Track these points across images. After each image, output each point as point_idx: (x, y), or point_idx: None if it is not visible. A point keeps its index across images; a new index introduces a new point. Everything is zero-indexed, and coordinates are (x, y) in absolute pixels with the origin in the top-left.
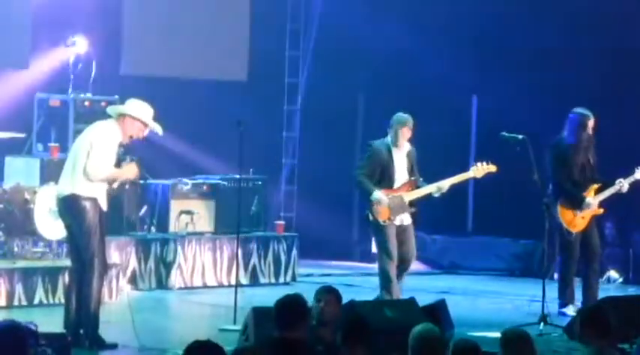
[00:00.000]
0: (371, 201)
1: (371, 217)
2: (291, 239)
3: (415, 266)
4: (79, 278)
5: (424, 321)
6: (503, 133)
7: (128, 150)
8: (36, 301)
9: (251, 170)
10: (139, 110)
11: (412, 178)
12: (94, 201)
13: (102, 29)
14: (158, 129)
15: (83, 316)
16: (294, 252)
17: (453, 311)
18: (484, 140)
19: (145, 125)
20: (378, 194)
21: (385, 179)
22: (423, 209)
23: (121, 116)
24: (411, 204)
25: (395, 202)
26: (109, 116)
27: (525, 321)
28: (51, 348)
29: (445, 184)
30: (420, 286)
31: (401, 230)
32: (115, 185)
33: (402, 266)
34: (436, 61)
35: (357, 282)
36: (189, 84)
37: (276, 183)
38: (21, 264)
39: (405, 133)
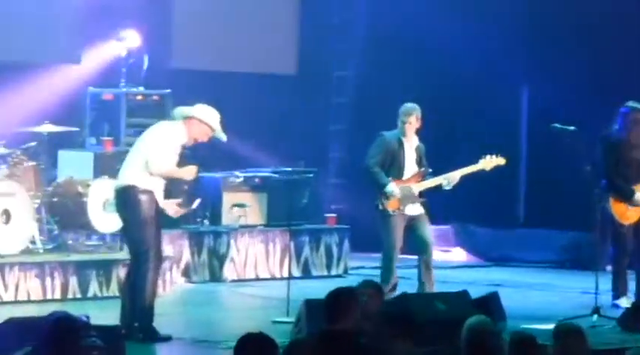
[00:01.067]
0: (384, 192)
1: (381, 207)
2: (342, 231)
3: (466, 258)
4: (133, 271)
5: (475, 314)
6: (555, 125)
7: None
8: (90, 294)
9: (302, 162)
10: (207, 114)
11: (421, 169)
12: (150, 193)
13: (153, 23)
14: (223, 137)
15: (138, 309)
16: (346, 244)
17: (504, 304)
18: (535, 131)
19: (212, 130)
20: (392, 186)
21: (394, 169)
22: (474, 201)
23: (188, 118)
24: (420, 194)
25: (404, 193)
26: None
27: (577, 313)
28: (102, 340)
29: (455, 175)
30: (470, 278)
31: (411, 219)
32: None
33: (424, 255)
34: (486, 51)
35: (408, 274)
36: (239, 77)
37: (327, 176)
38: (75, 257)
39: (413, 123)
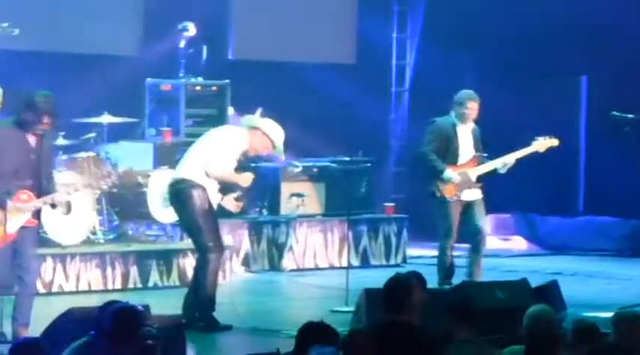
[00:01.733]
0: (442, 178)
1: (438, 194)
2: (401, 220)
3: (525, 247)
4: (196, 262)
5: (536, 302)
6: (614, 113)
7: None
8: (150, 284)
9: (360, 152)
10: (273, 130)
11: (477, 154)
12: (202, 188)
13: (212, 13)
14: (282, 155)
15: (199, 298)
16: (404, 233)
17: (564, 292)
18: (594, 119)
19: (273, 145)
20: (450, 172)
21: (450, 155)
22: (534, 189)
23: (254, 129)
24: (477, 179)
25: (462, 178)
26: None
27: (637, 302)
28: (162, 329)
29: (510, 158)
30: (530, 267)
31: (467, 205)
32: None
33: (477, 239)
34: (546, 38)
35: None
36: (297, 67)
37: (386, 165)
38: (135, 247)
39: (475, 109)
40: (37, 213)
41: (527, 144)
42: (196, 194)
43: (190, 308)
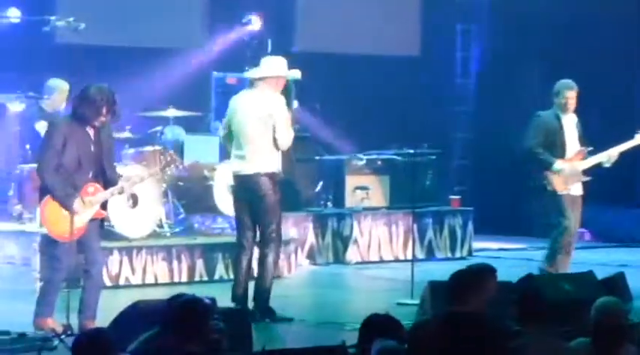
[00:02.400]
0: (552, 170)
1: (549, 187)
2: (466, 213)
3: (591, 239)
4: (251, 252)
5: (603, 294)
6: None
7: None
8: (216, 276)
9: (425, 144)
10: (273, 67)
11: (582, 147)
12: (271, 176)
13: (276, 6)
14: (297, 74)
15: (258, 289)
16: (470, 226)
17: (630, 284)
18: None
19: (282, 77)
20: (560, 164)
21: (556, 149)
22: (598, 182)
23: (262, 80)
24: (584, 172)
25: (571, 171)
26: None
27: None
28: (228, 322)
29: (614, 152)
30: (596, 259)
31: (571, 200)
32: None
33: (569, 238)
34: (612, 30)
35: (533, 256)
36: (362, 59)
37: (451, 158)
38: (201, 240)
39: (574, 99)
40: (103, 205)
41: (630, 137)
42: (268, 183)
43: (242, 298)
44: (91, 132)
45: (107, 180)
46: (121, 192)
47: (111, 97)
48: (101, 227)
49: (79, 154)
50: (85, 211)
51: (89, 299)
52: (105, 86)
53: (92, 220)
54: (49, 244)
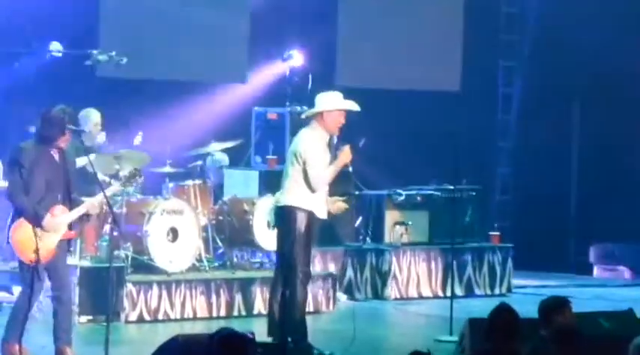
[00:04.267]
0: None
1: None
2: (506, 250)
3: (631, 276)
4: (287, 287)
5: None
6: None
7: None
8: (255, 311)
9: (464, 180)
10: (330, 102)
11: None
12: (304, 211)
13: (317, 42)
14: (355, 107)
15: (289, 324)
16: (509, 263)
17: None
18: None
19: (342, 110)
20: None
21: None
22: (637, 219)
23: (319, 115)
24: None
25: None
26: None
27: None
28: None
29: None
30: (636, 297)
31: None
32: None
33: None
34: None
35: (574, 293)
36: (402, 94)
37: (491, 193)
38: (240, 274)
39: None
40: (71, 226)
41: None
42: (299, 218)
43: (278, 333)
44: (55, 155)
45: (73, 202)
46: (87, 216)
47: (73, 117)
48: (68, 250)
49: (47, 177)
50: (53, 232)
51: (63, 324)
52: (66, 107)
53: (60, 242)
54: (21, 269)
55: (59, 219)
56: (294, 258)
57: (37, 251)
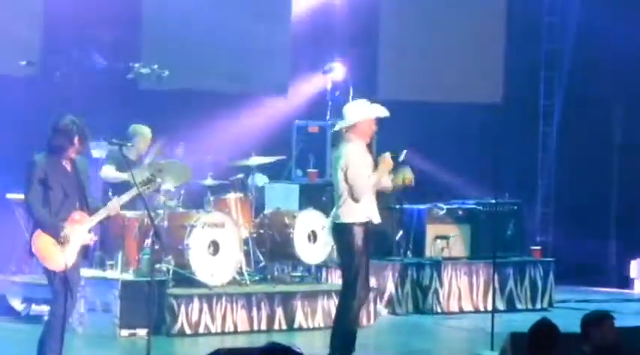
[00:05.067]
0: None
1: None
2: (547, 264)
3: None
4: (340, 299)
5: None
6: None
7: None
8: (296, 325)
9: (506, 194)
10: (360, 112)
11: None
12: (360, 225)
13: (359, 55)
14: (383, 112)
15: (339, 338)
16: (551, 277)
17: None
18: None
19: (373, 119)
20: None
21: None
22: None
23: (352, 127)
24: None
25: None
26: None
27: None
28: None
29: None
30: None
31: None
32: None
33: None
34: None
35: (616, 308)
36: (444, 107)
37: (532, 207)
38: (281, 288)
39: None
40: (92, 231)
41: None
42: (355, 232)
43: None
44: (67, 165)
45: (91, 208)
46: (106, 217)
47: (82, 128)
48: (84, 257)
49: (63, 186)
50: (74, 239)
51: (53, 337)
52: (76, 117)
53: (80, 248)
54: (49, 278)
55: (78, 226)
56: (354, 274)
57: (58, 254)
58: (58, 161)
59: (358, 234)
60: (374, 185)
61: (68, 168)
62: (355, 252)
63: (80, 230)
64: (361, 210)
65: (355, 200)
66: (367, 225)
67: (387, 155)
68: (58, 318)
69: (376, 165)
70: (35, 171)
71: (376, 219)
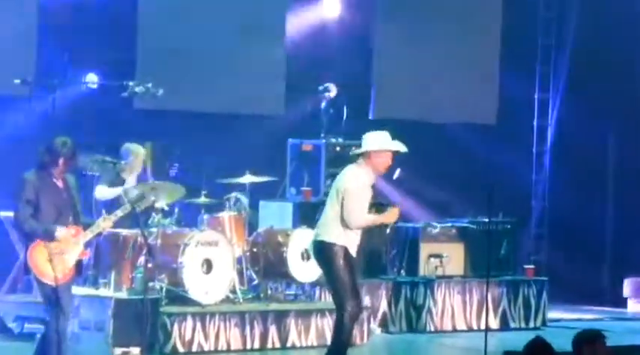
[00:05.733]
0: None
1: None
2: (540, 283)
3: None
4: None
5: None
6: None
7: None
8: (289, 344)
9: (500, 213)
10: (378, 141)
11: None
12: (342, 248)
13: (352, 74)
14: (402, 148)
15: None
16: (544, 296)
17: None
18: None
19: (390, 151)
20: None
21: None
22: None
23: (367, 154)
24: None
25: None
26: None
27: None
28: None
29: None
30: None
31: None
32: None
33: None
34: None
35: (609, 327)
36: (438, 127)
37: (526, 226)
38: (274, 306)
39: None
40: (85, 245)
41: None
42: (337, 254)
43: None
44: (59, 182)
45: (83, 224)
46: (99, 234)
47: (71, 151)
48: (78, 273)
49: (55, 202)
50: (69, 253)
51: (50, 352)
52: (68, 139)
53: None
54: (43, 292)
55: (74, 239)
56: (340, 294)
57: (53, 267)
58: (49, 178)
59: (339, 255)
60: (367, 224)
61: (59, 184)
62: (337, 269)
63: (75, 244)
64: (343, 236)
65: (347, 225)
66: (346, 250)
67: (397, 209)
68: (53, 332)
69: (381, 209)
70: (25, 188)
71: (353, 251)
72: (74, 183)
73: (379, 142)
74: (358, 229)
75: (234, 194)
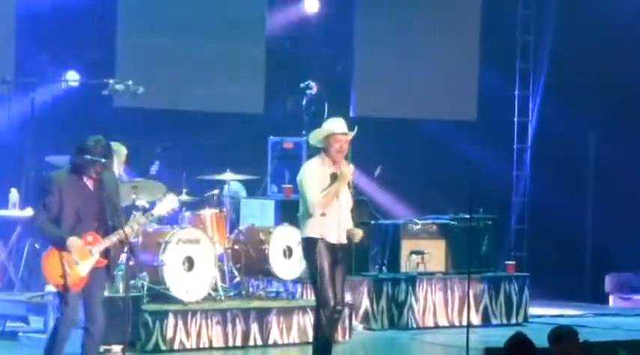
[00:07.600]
0: None
1: None
2: (522, 279)
3: None
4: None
5: None
6: None
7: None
8: (270, 341)
9: (481, 209)
10: (329, 127)
11: None
12: (320, 240)
13: (334, 71)
14: (339, 129)
15: (313, 352)
16: (526, 292)
17: None
18: None
19: (342, 134)
20: None
21: None
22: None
23: (323, 141)
24: None
25: None
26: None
27: None
28: None
29: None
30: None
31: None
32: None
33: None
34: None
35: (590, 323)
36: (418, 124)
37: (507, 223)
38: (256, 303)
39: None
40: (105, 253)
41: None
42: (318, 248)
43: None
44: (89, 182)
45: (109, 229)
46: (122, 242)
47: (106, 149)
48: (107, 277)
49: (77, 206)
50: (85, 260)
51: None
52: (101, 138)
53: (95, 270)
54: (56, 298)
55: (90, 247)
56: (318, 289)
57: (64, 276)
58: (79, 179)
59: (319, 250)
60: (328, 200)
61: (90, 186)
62: (317, 264)
63: (89, 253)
64: (317, 226)
65: (311, 214)
66: (323, 241)
67: (347, 169)
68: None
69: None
70: (46, 190)
71: (331, 239)
72: (113, 185)
73: (330, 126)
74: (322, 210)
75: (216, 191)
